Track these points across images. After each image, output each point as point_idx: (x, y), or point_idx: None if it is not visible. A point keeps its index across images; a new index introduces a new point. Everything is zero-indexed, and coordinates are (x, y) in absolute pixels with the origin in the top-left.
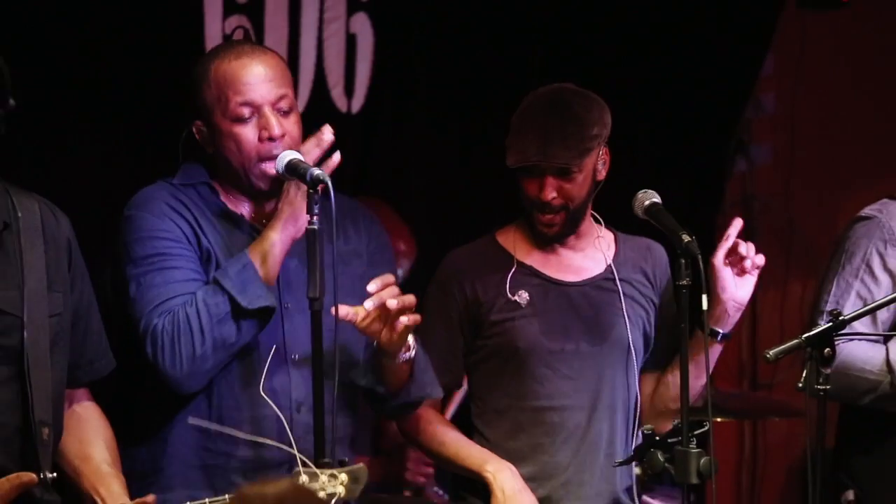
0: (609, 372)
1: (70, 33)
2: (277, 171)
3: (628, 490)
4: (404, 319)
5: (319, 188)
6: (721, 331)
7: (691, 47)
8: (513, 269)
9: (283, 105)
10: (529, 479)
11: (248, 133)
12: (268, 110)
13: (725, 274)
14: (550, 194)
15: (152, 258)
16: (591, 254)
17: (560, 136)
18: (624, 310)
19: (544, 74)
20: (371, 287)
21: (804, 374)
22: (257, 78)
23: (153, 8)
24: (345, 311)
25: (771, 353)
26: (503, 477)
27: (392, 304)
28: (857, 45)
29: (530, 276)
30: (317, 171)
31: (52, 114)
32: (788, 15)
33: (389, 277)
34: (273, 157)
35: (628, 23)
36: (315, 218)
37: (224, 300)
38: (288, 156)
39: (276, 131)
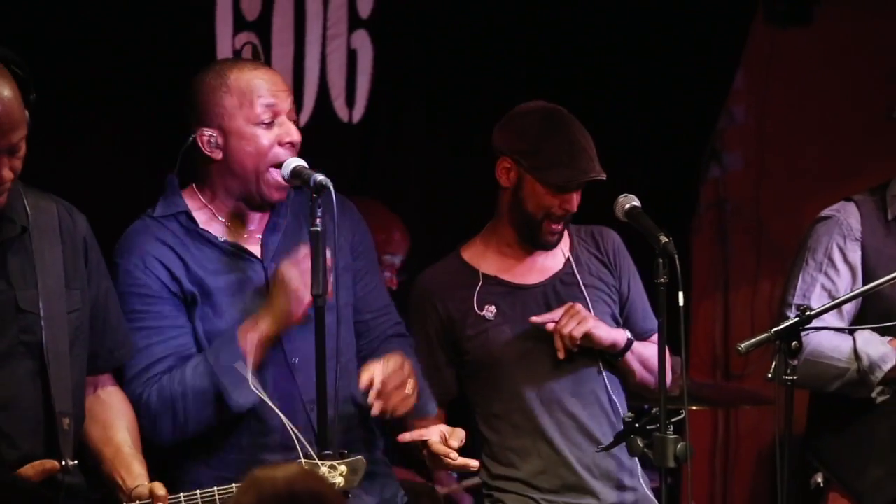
0: (585, 360)
1: (91, 48)
2: (283, 177)
3: (630, 471)
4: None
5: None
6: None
7: (669, 62)
8: (479, 285)
9: (293, 115)
10: (539, 474)
11: (268, 137)
12: (286, 118)
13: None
14: (576, 205)
15: (134, 314)
16: (548, 253)
17: (589, 151)
18: (587, 298)
19: (531, 87)
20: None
21: (773, 366)
22: (278, 87)
23: (168, 25)
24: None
25: (742, 346)
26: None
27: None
28: (821, 61)
29: (496, 286)
30: (320, 177)
31: (72, 122)
32: (757, 33)
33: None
34: (281, 164)
35: (611, 42)
36: (318, 221)
37: (210, 387)
38: (293, 162)
39: (297, 137)
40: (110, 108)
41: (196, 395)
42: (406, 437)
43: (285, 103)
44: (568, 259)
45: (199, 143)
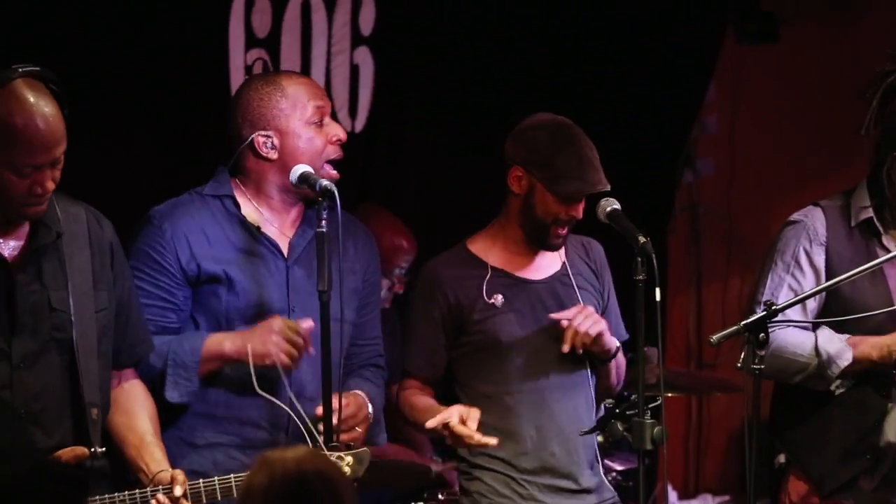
0: (577, 358)
1: (115, 61)
2: (292, 182)
3: (596, 455)
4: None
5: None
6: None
7: (647, 77)
8: (488, 275)
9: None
10: (521, 455)
11: (320, 136)
12: (330, 118)
13: None
14: (581, 212)
15: (137, 270)
16: (550, 254)
17: (595, 163)
18: (581, 300)
19: (520, 100)
20: None
21: (742, 356)
22: (321, 91)
23: (184, 42)
24: None
25: (714, 337)
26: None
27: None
28: (788, 75)
29: (503, 278)
30: (325, 182)
31: (98, 134)
32: (728, 48)
33: None
34: (333, 161)
35: (596, 59)
36: (323, 223)
37: (159, 373)
38: (300, 168)
39: (344, 135)
40: (131, 116)
41: (149, 371)
42: (432, 423)
43: (328, 105)
44: (564, 263)
45: (256, 146)
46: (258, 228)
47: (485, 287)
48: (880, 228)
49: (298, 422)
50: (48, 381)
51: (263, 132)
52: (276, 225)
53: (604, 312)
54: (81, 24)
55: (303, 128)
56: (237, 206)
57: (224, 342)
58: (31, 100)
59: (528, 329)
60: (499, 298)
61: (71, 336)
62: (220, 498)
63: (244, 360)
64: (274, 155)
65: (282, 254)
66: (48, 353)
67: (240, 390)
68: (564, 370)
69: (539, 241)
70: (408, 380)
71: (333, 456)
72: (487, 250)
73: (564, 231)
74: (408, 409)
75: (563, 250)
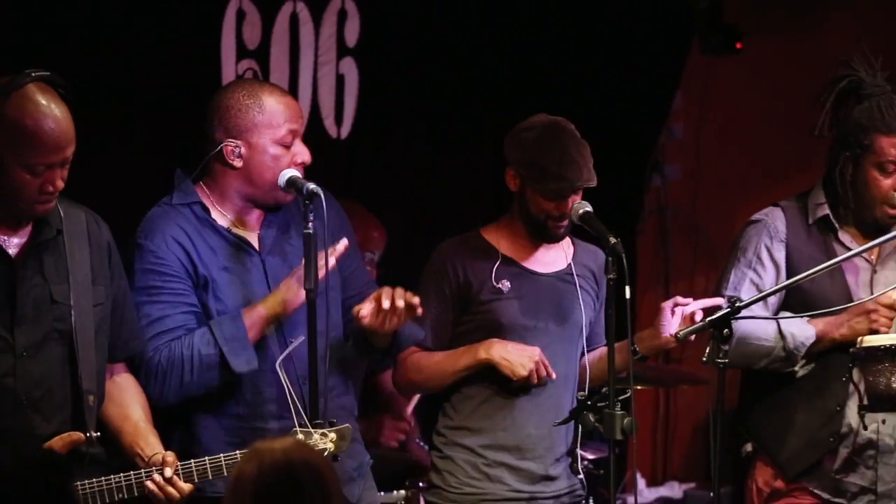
0: (566, 346)
1: (111, 68)
2: (280, 186)
3: (570, 446)
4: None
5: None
6: (642, 353)
7: (617, 85)
8: (498, 262)
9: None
10: (500, 431)
11: (286, 157)
12: (300, 140)
13: (667, 315)
14: (570, 208)
15: (150, 290)
16: (556, 252)
17: (584, 160)
18: (580, 299)
19: (497, 106)
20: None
21: (708, 350)
22: (299, 114)
23: (178, 52)
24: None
25: (680, 333)
26: (494, 349)
27: (400, 303)
28: (750, 83)
29: (511, 266)
30: (312, 186)
31: (90, 143)
32: (694, 59)
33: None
34: None
35: (569, 68)
36: (311, 224)
37: (215, 353)
38: (289, 173)
39: (308, 159)
40: (126, 121)
41: (202, 358)
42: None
43: (302, 128)
44: (569, 263)
45: (224, 152)
46: (228, 230)
47: (494, 272)
48: (836, 224)
49: (290, 399)
50: (49, 369)
51: (233, 141)
52: (243, 223)
53: (596, 318)
54: (74, 35)
55: (271, 146)
56: (206, 210)
57: (257, 307)
58: (44, 102)
59: (529, 317)
60: (506, 284)
61: (71, 327)
62: (210, 477)
63: (284, 313)
64: (239, 163)
65: (254, 248)
66: (49, 343)
67: (252, 408)
68: (558, 361)
69: (540, 235)
70: (413, 348)
71: (318, 432)
72: (500, 240)
73: (561, 223)
74: (432, 364)
75: (571, 250)
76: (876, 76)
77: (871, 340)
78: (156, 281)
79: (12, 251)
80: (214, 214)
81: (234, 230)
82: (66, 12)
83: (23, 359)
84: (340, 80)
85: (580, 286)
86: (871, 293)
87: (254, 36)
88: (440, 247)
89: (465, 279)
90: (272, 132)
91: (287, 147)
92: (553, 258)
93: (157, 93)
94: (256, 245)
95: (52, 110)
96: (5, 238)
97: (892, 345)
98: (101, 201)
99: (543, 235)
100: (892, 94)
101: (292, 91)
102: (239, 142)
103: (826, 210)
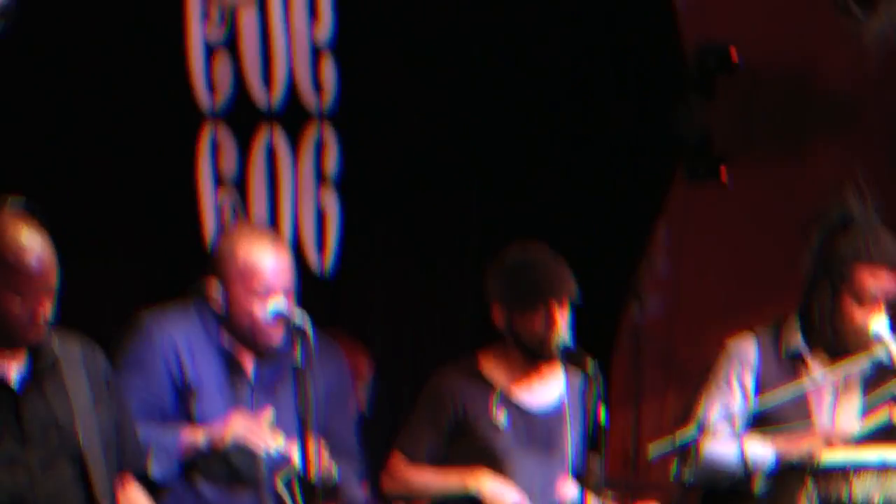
0: (551, 479)
1: (92, 205)
2: (264, 320)
3: None
4: None
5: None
6: None
7: (599, 218)
8: (494, 395)
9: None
10: None
11: (262, 308)
12: (281, 294)
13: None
14: (563, 322)
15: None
16: (550, 380)
17: (566, 276)
18: (570, 435)
19: (480, 231)
20: None
21: (675, 470)
22: (280, 269)
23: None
24: None
25: (651, 454)
26: (485, 484)
27: None
28: (730, 213)
29: (507, 403)
30: (299, 323)
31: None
32: (676, 191)
33: None
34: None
35: (555, 200)
36: (300, 360)
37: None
38: (276, 308)
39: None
40: (102, 249)
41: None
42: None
43: (284, 285)
44: (563, 398)
45: (208, 290)
46: (228, 350)
47: (490, 406)
48: (807, 357)
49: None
50: (64, 487)
51: (216, 283)
52: (241, 350)
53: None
54: (48, 164)
55: (244, 295)
56: (219, 331)
57: (198, 432)
58: (23, 235)
59: (519, 450)
60: (501, 420)
61: (79, 449)
62: None
63: (220, 445)
64: (222, 304)
65: (246, 377)
66: (59, 463)
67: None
68: (542, 491)
69: (539, 355)
70: (405, 460)
71: None
72: (495, 369)
73: (554, 336)
74: (411, 482)
75: (564, 383)
76: (867, 209)
77: (827, 457)
78: (135, 374)
79: (13, 376)
80: (223, 339)
81: (232, 351)
82: (40, 143)
83: (38, 475)
84: (321, 214)
85: (570, 422)
86: (833, 418)
87: (228, 162)
88: (440, 375)
89: (463, 410)
90: (246, 283)
91: (264, 297)
92: (548, 389)
93: (133, 224)
94: (249, 372)
95: (30, 243)
96: (4, 364)
97: (847, 462)
98: (82, 321)
99: (542, 356)
100: (879, 228)
101: (272, 221)
102: (219, 287)
103: (799, 344)
